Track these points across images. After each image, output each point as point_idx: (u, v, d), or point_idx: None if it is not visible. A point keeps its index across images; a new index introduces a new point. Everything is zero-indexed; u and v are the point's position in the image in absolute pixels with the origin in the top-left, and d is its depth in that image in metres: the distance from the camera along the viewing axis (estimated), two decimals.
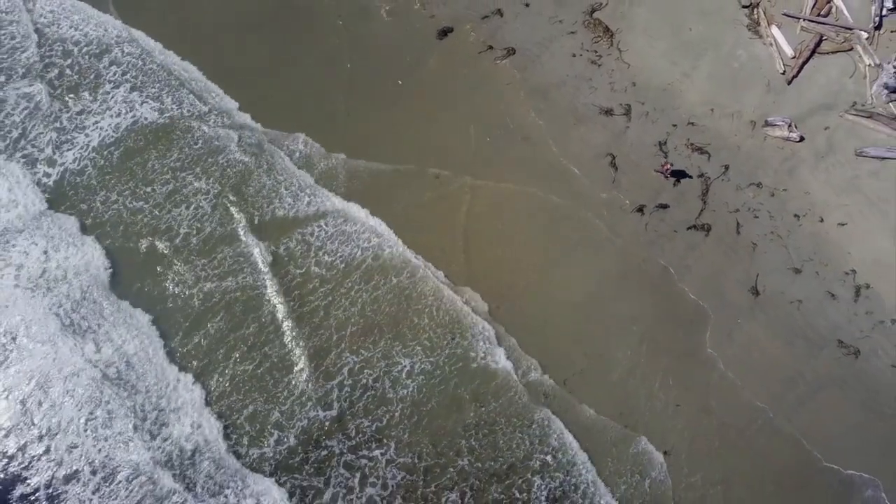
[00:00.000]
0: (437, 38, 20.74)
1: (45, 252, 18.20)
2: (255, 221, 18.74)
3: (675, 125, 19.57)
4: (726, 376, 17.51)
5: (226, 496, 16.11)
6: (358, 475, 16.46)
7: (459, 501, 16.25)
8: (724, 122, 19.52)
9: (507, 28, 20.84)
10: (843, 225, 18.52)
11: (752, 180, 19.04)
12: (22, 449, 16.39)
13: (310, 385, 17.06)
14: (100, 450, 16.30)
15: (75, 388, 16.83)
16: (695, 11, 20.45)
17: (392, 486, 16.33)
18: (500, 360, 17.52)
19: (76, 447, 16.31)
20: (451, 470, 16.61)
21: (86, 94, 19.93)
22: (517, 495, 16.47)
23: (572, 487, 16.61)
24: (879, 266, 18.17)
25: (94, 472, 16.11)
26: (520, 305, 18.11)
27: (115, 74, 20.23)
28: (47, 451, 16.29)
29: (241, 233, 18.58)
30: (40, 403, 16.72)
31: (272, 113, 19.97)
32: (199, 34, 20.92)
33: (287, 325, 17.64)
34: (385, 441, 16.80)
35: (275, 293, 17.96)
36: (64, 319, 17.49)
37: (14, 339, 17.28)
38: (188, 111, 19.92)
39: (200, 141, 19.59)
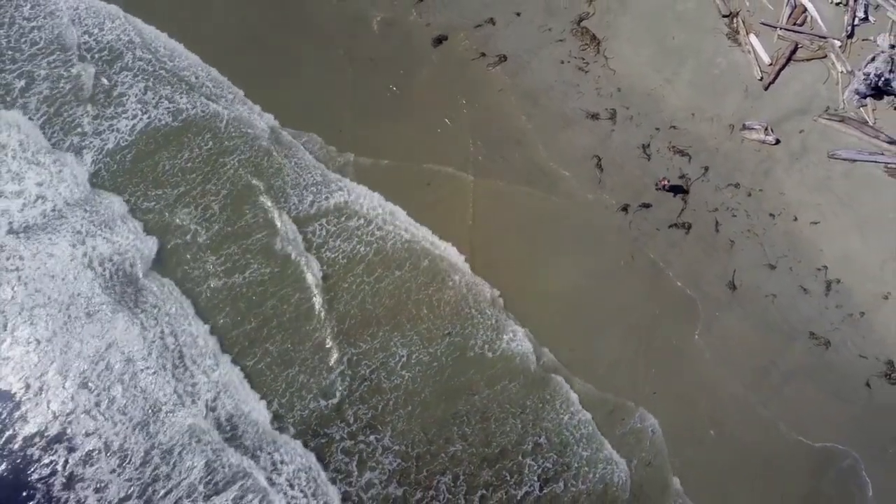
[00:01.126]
0: (433, 46, 21.79)
1: (93, 232, 19.65)
2: (288, 207, 20.22)
3: (657, 129, 20.64)
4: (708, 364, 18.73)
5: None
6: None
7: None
8: (704, 126, 20.59)
9: (499, 36, 21.87)
10: (815, 223, 19.59)
11: (730, 181, 20.11)
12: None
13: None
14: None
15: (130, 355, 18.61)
16: (677, 21, 21.49)
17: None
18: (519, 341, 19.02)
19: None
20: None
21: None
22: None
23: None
24: (849, 262, 19.24)
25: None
26: (513, 296, 19.41)
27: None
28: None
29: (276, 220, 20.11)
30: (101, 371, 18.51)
31: (287, 115, 21.32)
32: (217, 43, 22.09)
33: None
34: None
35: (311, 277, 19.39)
36: (117, 295, 19.13)
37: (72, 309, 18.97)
38: (218, 109, 21.27)
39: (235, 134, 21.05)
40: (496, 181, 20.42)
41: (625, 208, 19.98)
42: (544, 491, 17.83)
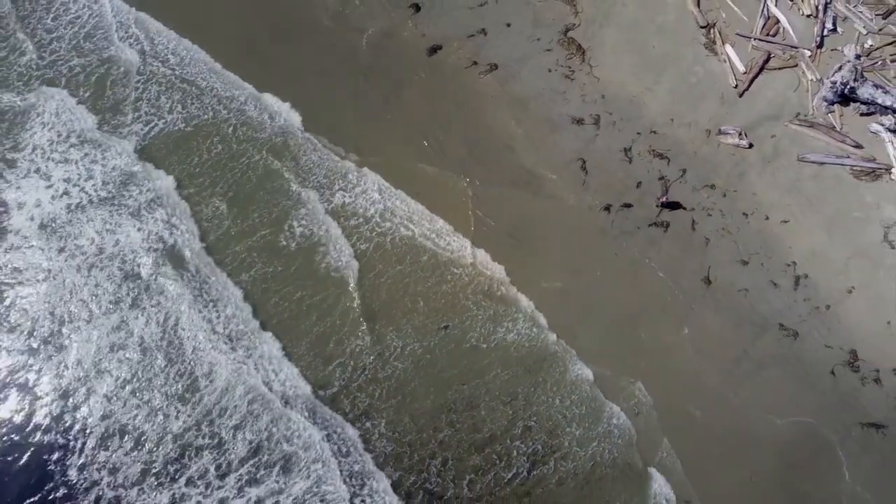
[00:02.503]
0: (428, 55, 23.09)
1: (146, 204, 21.44)
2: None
3: (639, 133, 21.95)
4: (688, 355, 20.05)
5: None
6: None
7: None
8: (683, 131, 21.91)
9: (491, 46, 23.18)
10: (785, 222, 20.92)
11: (706, 182, 21.43)
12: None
13: None
14: None
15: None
16: (657, 32, 22.81)
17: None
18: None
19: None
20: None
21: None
22: None
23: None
24: (816, 258, 20.57)
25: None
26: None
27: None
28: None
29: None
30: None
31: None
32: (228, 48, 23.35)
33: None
34: None
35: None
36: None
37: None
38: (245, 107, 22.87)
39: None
40: (488, 183, 21.71)
41: (607, 208, 21.29)
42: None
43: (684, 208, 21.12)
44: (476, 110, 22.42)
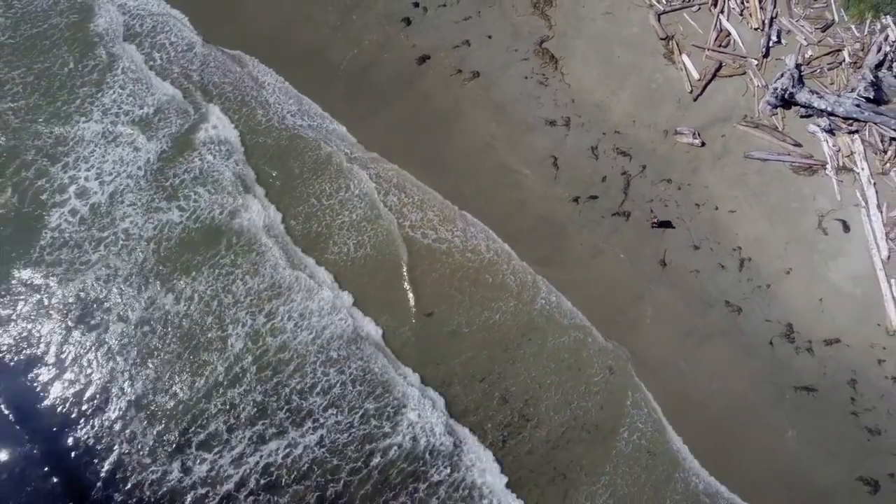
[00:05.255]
0: (417, 64, 25.91)
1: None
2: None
3: (604, 133, 24.72)
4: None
5: None
6: None
7: None
8: (643, 131, 24.68)
9: (474, 55, 25.99)
10: (732, 212, 23.63)
11: (663, 177, 24.17)
12: None
13: None
14: None
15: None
16: (622, 43, 25.61)
17: None
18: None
19: None
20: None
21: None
22: None
23: None
24: (759, 243, 23.27)
25: None
26: None
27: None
28: None
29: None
30: None
31: None
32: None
33: None
34: None
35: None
36: None
37: None
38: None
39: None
40: (472, 180, 24.43)
41: (576, 199, 24.05)
42: None
43: (673, 227, 23.51)
44: (460, 114, 25.16)
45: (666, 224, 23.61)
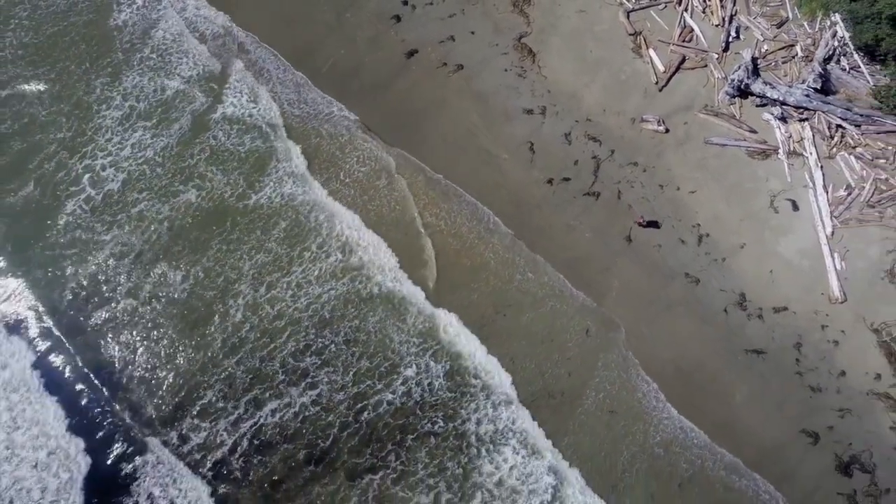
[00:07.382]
0: (406, 58, 28.16)
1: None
2: None
3: (577, 121, 26.96)
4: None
5: None
6: None
7: None
8: (612, 119, 26.91)
9: (458, 50, 28.23)
10: (693, 192, 25.84)
11: (630, 160, 26.39)
12: None
13: None
14: None
15: None
16: (594, 39, 27.87)
17: None
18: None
19: None
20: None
21: None
22: None
23: None
24: (717, 221, 25.48)
25: None
26: None
27: None
28: None
29: None
30: None
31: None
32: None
33: None
34: None
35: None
36: None
37: None
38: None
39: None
40: (456, 165, 26.66)
41: (550, 181, 26.27)
42: None
43: (658, 227, 25.39)
44: (446, 103, 27.41)
45: (653, 224, 25.47)
